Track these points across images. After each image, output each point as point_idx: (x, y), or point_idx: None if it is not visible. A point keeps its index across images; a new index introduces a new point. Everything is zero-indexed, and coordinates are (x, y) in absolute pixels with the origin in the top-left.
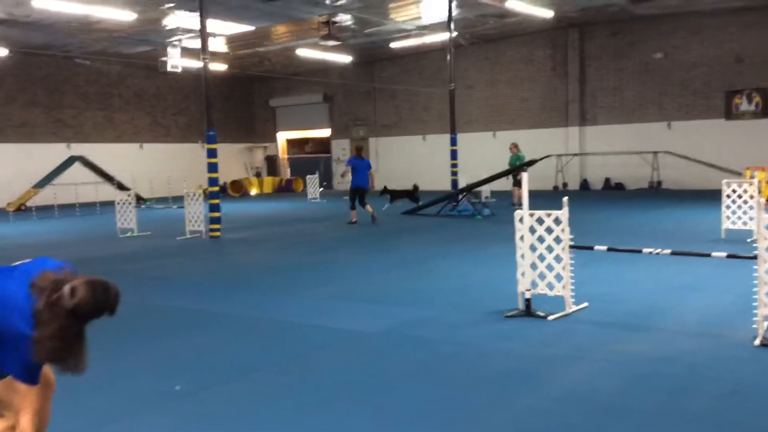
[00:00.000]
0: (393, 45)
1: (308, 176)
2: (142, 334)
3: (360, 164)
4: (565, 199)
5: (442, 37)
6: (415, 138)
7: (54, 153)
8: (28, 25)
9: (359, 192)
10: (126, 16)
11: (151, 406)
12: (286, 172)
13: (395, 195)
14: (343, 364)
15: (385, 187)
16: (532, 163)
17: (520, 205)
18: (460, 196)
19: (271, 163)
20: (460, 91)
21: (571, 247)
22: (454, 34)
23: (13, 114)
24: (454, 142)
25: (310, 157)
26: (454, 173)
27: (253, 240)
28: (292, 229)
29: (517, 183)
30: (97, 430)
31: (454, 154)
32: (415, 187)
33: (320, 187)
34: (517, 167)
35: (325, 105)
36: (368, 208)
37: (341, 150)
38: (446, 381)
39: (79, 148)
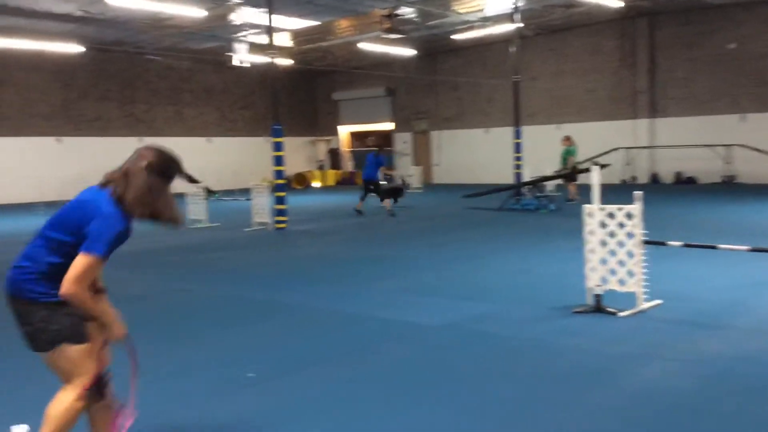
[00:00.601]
0: (455, 37)
1: None
2: (214, 322)
3: (370, 160)
4: (638, 193)
5: (507, 28)
6: (477, 131)
7: (127, 147)
8: (102, 22)
9: (368, 185)
10: (196, 12)
11: (225, 392)
12: (349, 165)
13: (384, 193)
14: (409, 358)
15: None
16: (581, 171)
17: (573, 201)
18: (523, 190)
19: (334, 156)
20: (523, 82)
21: (644, 242)
22: (519, 24)
23: (88, 109)
24: (518, 134)
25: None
26: (518, 166)
27: (318, 232)
28: (355, 221)
29: (571, 178)
30: (174, 414)
31: (517, 147)
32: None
33: (383, 181)
34: (572, 170)
35: (388, 98)
36: (385, 203)
37: (403, 143)
38: (515, 377)
39: (150, 142)
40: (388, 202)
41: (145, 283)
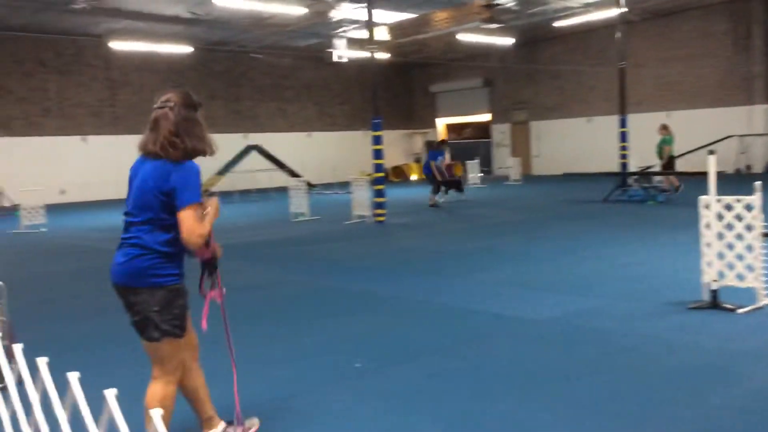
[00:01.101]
0: (557, 24)
1: (468, 162)
2: (319, 312)
3: (430, 155)
4: (758, 183)
5: (610, 13)
6: (579, 120)
7: (233, 142)
8: (208, 23)
9: (427, 179)
10: (296, 10)
11: (332, 381)
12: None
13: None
14: (515, 352)
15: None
16: (671, 160)
17: (671, 191)
18: (630, 180)
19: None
20: (628, 69)
21: (764, 235)
22: (624, 9)
23: None
24: (623, 123)
25: (470, 142)
26: (624, 156)
27: (417, 224)
28: (454, 214)
29: (667, 168)
30: (285, 402)
31: (623, 136)
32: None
33: (480, 173)
34: (668, 160)
35: (485, 89)
36: (431, 198)
37: (501, 134)
38: (628, 374)
39: (254, 138)
40: (434, 198)
41: (253, 274)
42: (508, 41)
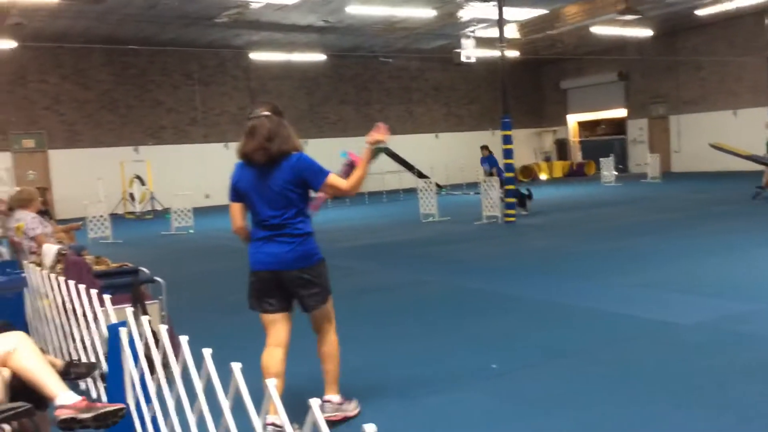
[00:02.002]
0: (699, 12)
1: (602, 159)
2: (453, 313)
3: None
4: None
5: None
6: (724, 113)
7: (363, 145)
8: (340, 30)
9: None
10: (426, 13)
11: (468, 381)
12: (577, 156)
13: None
14: (659, 357)
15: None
16: None
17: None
18: None
19: (561, 146)
20: None
21: None
22: None
23: (329, 112)
24: None
25: (603, 140)
26: None
27: (548, 225)
28: (587, 214)
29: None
30: (420, 399)
31: None
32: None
33: (615, 171)
34: None
35: (620, 83)
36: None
37: (638, 130)
38: None
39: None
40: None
41: (386, 274)
42: (646, 32)
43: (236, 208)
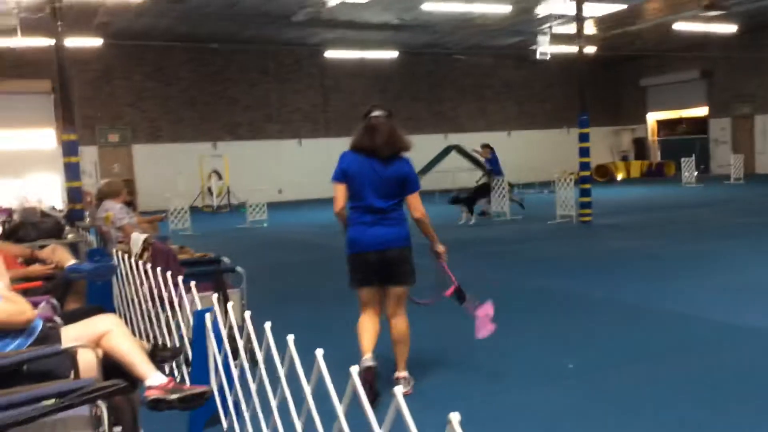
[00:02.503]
0: None
1: (682, 159)
2: (528, 311)
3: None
4: None
5: None
6: None
7: (434, 143)
8: (415, 28)
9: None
10: (502, 9)
11: (545, 379)
12: (656, 156)
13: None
14: (744, 362)
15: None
16: None
17: None
18: None
19: (639, 146)
20: None
21: None
22: None
23: (401, 109)
24: None
25: (684, 139)
26: None
27: (626, 226)
28: (666, 215)
29: None
30: (497, 396)
31: None
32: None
33: (696, 171)
34: None
35: (703, 81)
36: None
37: (720, 130)
38: None
39: (455, 138)
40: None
41: (457, 272)
42: (730, 29)
43: (342, 188)
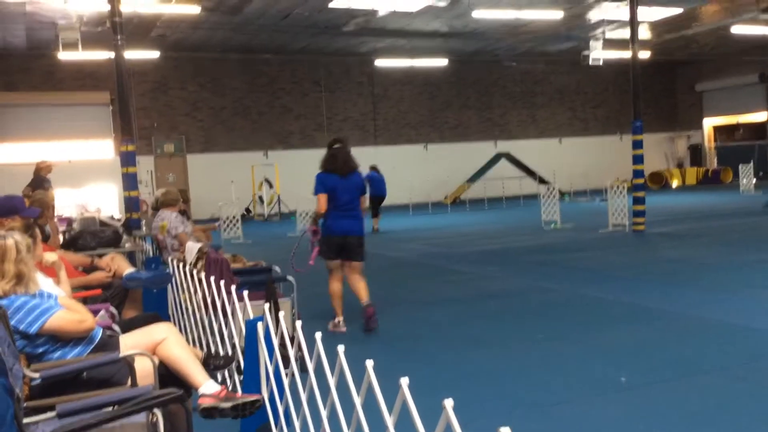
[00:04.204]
0: None
1: (740, 165)
2: (578, 322)
3: (375, 176)
4: None
5: None
6: None
7: (483, 150)
8: (464, 35)
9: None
10: (553, 15)
11: (598, 392)
12: (713, 162)
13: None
14: None
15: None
16: None
17: None
18: None
19: (695, 152)
20: None
21: None
22: None
23: (449, 117)
24: None
25: (743, 145)
26: None
27: (681, 234)
28: (724, 223)
29: None
30: (549, 408)
31: None
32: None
33: (754, 178)
34: None
35: (762, 85)
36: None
37: None
38: None
39: (504, 145)
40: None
41: (509, 281)
42: None
43: (324, 197)
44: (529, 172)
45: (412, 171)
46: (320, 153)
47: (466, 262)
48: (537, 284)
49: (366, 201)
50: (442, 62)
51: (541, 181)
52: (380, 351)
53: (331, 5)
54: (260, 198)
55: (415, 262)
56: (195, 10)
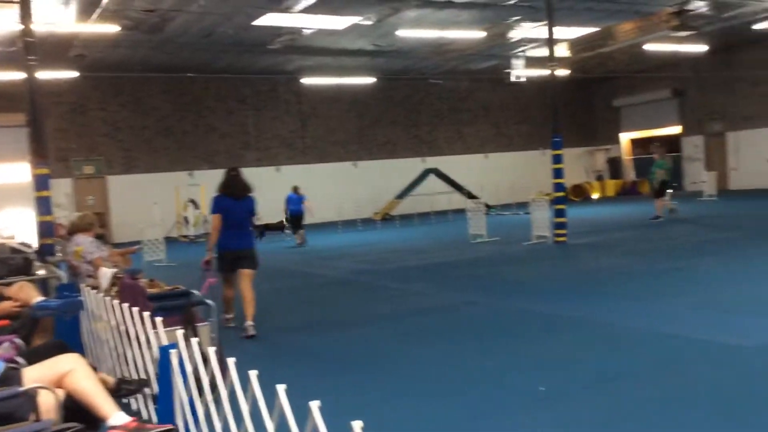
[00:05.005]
0: (756, 27)
1: None
2: (502, 334)
3: (293, 197)
4: None
5: None
6: None
7: (412, 167)
8: (391, 54)
9: (293, 220)
10: (476, 34)
11: (518, 404)
12: (631, 174)
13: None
14: (716, 381)
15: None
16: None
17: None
18: None
19: (614, 165)
20: None
21: None
22: None
23: (378, 134)
24: None
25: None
26: None
27: (600, 245)
28: (641, 234)
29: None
30: (473, 422)
31: None
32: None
33: (670, 189)
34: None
35: (675, 100)
36: (298, 236)
37: (693, 148)
38: None
39: (432, 161)
40: (300, 235)
41: (439, 296)
42: (701, 48)
43: (218, 217)
44: (457, 187)
45: (342, 188)
46: (248, 172)
47: (396, 278)
48: (464, 298)
49: (255, 221)
50: (369, 80)
51: (469, 195)
52: (307, 373)
53: (255, 23)
54: (185, 219)
55: (346, 280)
56: (114, 29)
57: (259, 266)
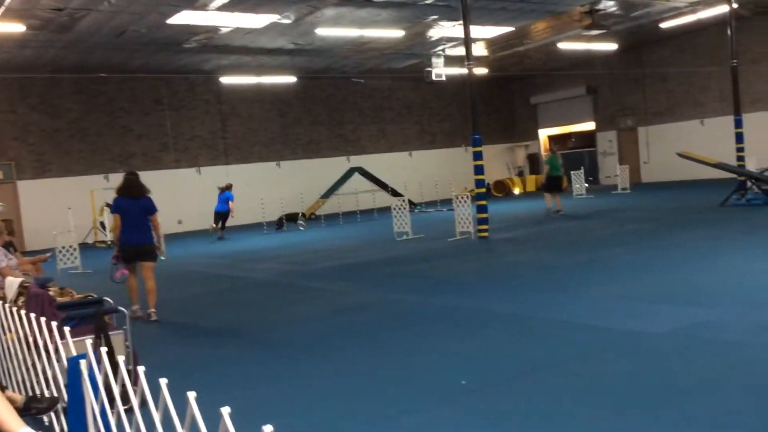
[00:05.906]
0: (663, 25)
1: (573, 172)
2: (429, 331)
3: (221, 196)
4: None
5: (720, 10)
6: (692, 123)
7: (336, 166)
8: (311, 52)
9: (217, 217)
10: (395, 33)
11: (440, 399)
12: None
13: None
14: (631, 368)
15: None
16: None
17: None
18: (750, 184)
19: (534, 161)
20: (743, 67)
21: None
22: (735, 5)
23: (301, 133)
24: (739, 124)
25: (574, 153)
26: (740, 158)
27: (522, 239)
28: (560, 226)
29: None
30: (392, 420)
31: (739, 137)
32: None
33: (586, 183)
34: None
35: (589, 97)
36: (218, 229)
37: (607, 142)
38: (755, 390)
39: (357, 160)
40: (218, 228)
41: (363, 294)
42: (612, 47)
43: (118, 216)
44: (382, 185)
45: (265, 189)
46: (167, 174)
47: (321, 278)
48: (389, 296)
49: (155, 219)
50: (290, 79)
51: (394, 193)
52: (225, 378)
53: (168, 21)
54: (102, 224)
55: (270, 281)
56: (19, 28)
57: (156, 258)
